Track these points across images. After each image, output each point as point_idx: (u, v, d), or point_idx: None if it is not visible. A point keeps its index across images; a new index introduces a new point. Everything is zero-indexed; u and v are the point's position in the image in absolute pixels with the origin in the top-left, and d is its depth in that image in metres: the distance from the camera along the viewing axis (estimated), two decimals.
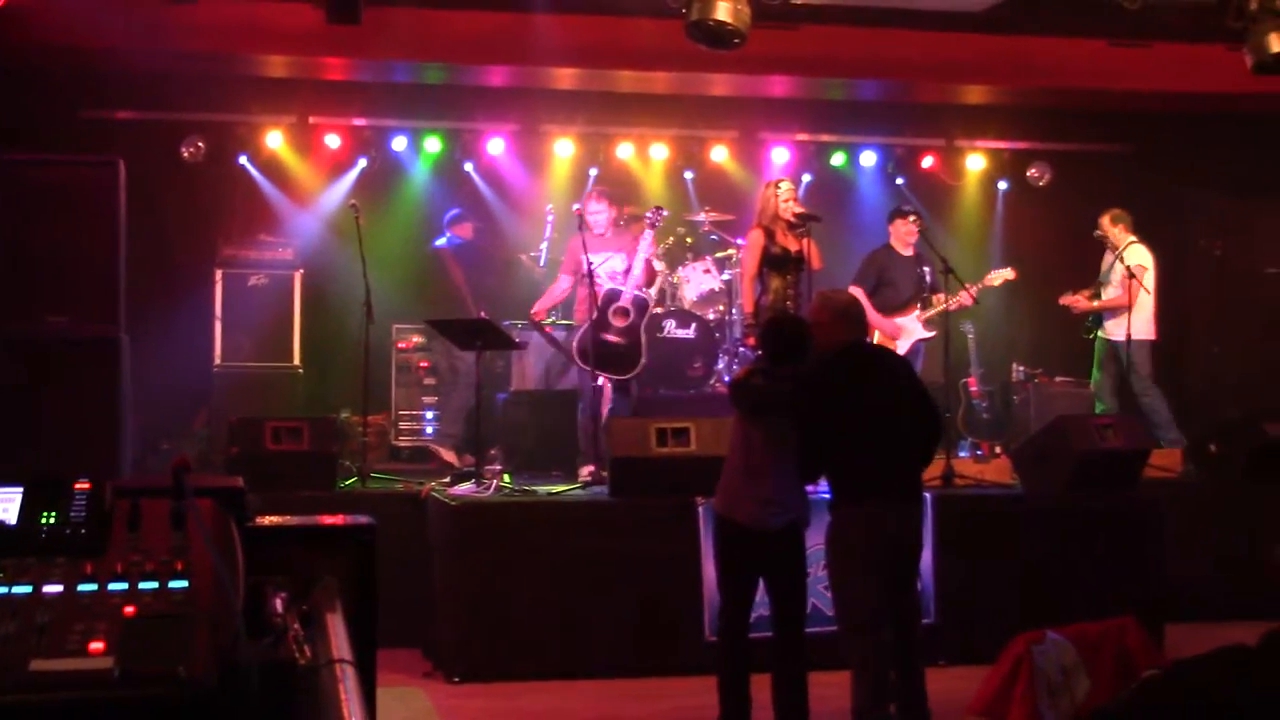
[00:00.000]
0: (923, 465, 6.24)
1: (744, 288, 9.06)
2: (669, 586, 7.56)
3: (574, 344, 9.34)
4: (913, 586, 6.17)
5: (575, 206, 9.80)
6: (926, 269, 9.99)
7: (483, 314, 9.50)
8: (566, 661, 7.48)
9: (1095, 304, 10.51)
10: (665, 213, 9.67)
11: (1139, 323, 10.30)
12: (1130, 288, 10.20)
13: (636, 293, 9.21)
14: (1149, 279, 10.37)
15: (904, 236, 10.21)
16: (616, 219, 9.73)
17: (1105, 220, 10.63)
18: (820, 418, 5.89)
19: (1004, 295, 10.06)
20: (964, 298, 9.72)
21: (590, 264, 9.04)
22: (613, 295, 9.21)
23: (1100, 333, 10.58)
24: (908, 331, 10.05)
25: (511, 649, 7.47)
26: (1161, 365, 10.69)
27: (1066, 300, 10.58)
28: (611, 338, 9.14)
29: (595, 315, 9.01)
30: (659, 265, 10.16)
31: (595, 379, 9.06)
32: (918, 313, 10.04)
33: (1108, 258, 10.65)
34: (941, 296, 9.77)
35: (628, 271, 9.32)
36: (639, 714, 6.91)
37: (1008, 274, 10.20)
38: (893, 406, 5.95)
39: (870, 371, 6.09)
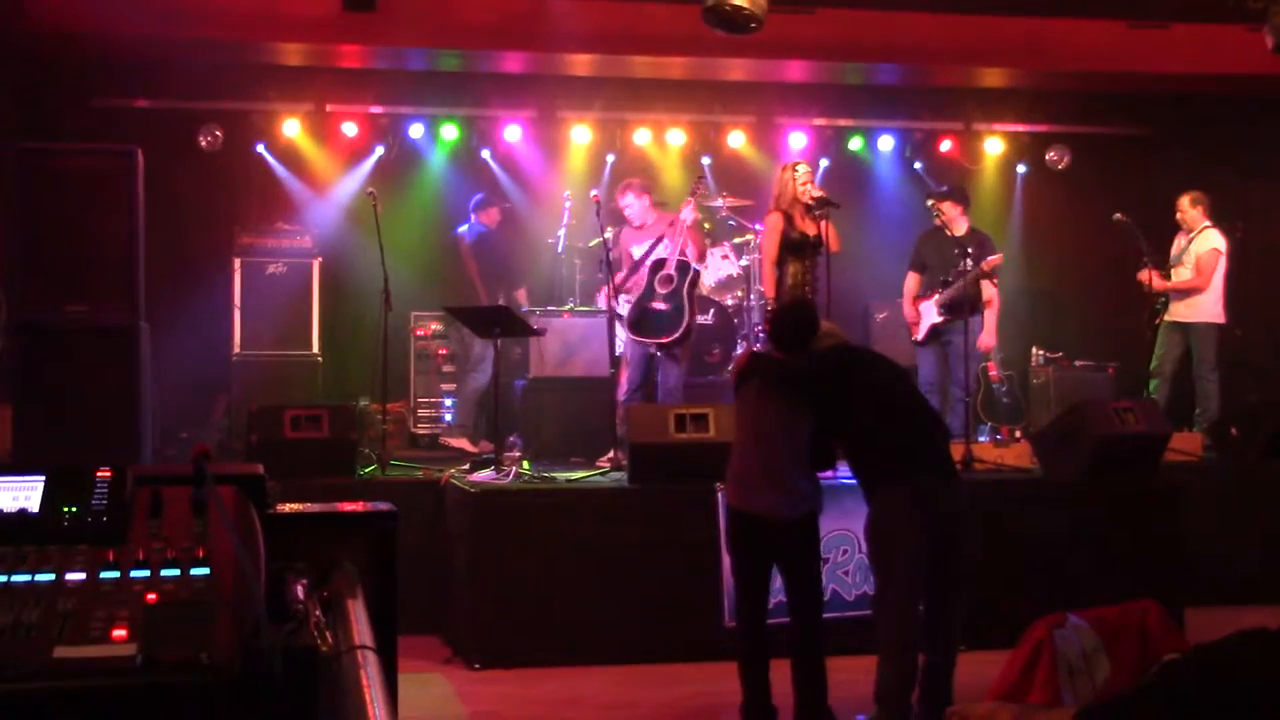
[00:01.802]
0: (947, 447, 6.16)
1: (765, 272, 9.01)
2: (688, 572, 7.54)
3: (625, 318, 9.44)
4: (962, 564, 5.85)
5: (593, 193, 9.79)
6: (972, 249, 9.43)
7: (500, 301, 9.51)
8: (585, 647, 7.48)
9: (1171, 284, 10.28)
10: (709, 179, 9.63)
11: (1208, 305, 10.23)
12: (1205, 270, 10.14)
13: (679, 258, 9.21)
14: (1222, 263, 10.25)
15: (939, 218, 9.69)
16: (652, 205, 9.70)
17: (1185, 201, 10.42)
18: (837, 401, 5.88)
19: (1023, 279, 9.95)
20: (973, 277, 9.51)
21: (609, 253, 9.12)
22: (658, 265, 9.25)
23: (1166, 315, 10.37)
24: (924, 317, 9.85)
25: (531, 635, 7.47)
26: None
27: (1143, 278, 10.24)
28: (658, 305, 9.16)
29: (624, 291, 9.12)
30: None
31: (614, 350, 9.07)
32: (937, 296, 9.72)
33: (1179, 240, 10.49)
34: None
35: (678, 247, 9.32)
36: (658, 699, 6.90)
37: (996, 259, 9.67)
38: (905, 390, 6.02)
39: (869, 360, 6.19)
